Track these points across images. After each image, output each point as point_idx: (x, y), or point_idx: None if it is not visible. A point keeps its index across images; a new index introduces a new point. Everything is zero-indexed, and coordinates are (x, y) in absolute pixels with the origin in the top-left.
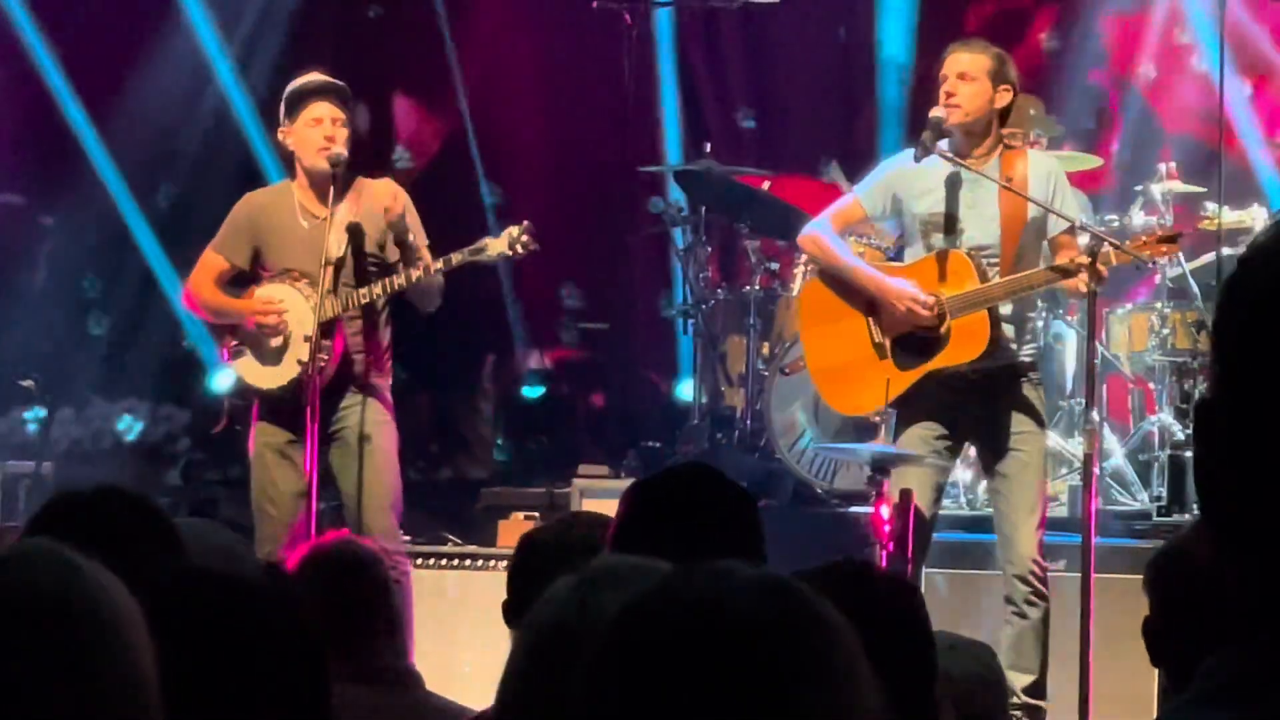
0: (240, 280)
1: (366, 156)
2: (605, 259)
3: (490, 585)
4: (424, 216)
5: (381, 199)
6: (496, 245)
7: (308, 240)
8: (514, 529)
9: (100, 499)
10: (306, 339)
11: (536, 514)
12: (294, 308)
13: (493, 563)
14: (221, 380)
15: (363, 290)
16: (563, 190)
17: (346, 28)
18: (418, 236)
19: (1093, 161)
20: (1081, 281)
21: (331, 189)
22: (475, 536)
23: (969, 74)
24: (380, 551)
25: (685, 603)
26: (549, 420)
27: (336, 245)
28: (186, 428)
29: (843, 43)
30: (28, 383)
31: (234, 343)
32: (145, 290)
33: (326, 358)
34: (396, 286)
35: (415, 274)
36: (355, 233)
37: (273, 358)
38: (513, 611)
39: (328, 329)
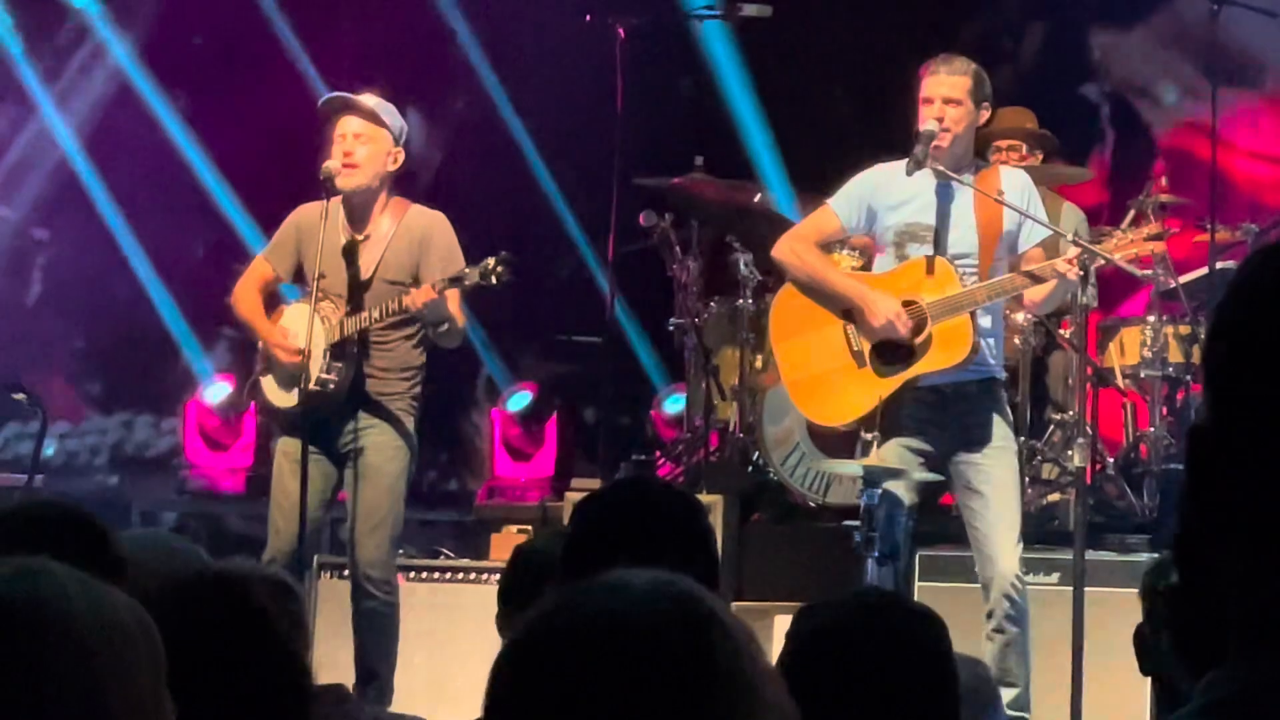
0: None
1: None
2: (597, 272)
3: (482, 598)
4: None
5: (418, 230)
6: (474, 275)
7: (343, 258)
8: (506, 542)
9: (31, 512)
10: (325, 354)
11: (529, 527)
12: (306, 326)
13: (485, 576)
14: (214, 393)
15: (363, 315)
16: (554, 203)
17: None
18: (442, 270)
19: (1085, 175)
20: (1071, 273)
21: (326, 205)
22: (469, 550)
23: (954, 97)
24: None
25: (583, 617)
26: (541, 434)
27: (365, 267)
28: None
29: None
30: (20, 396)
31: (261, 364)
32: (140, 302)
33: (336, 378)
34: (389, 312)
35: (406, 301)
36: (393, 259)
37: (289, 376)
38: (506, 622)
39: (339, 350)
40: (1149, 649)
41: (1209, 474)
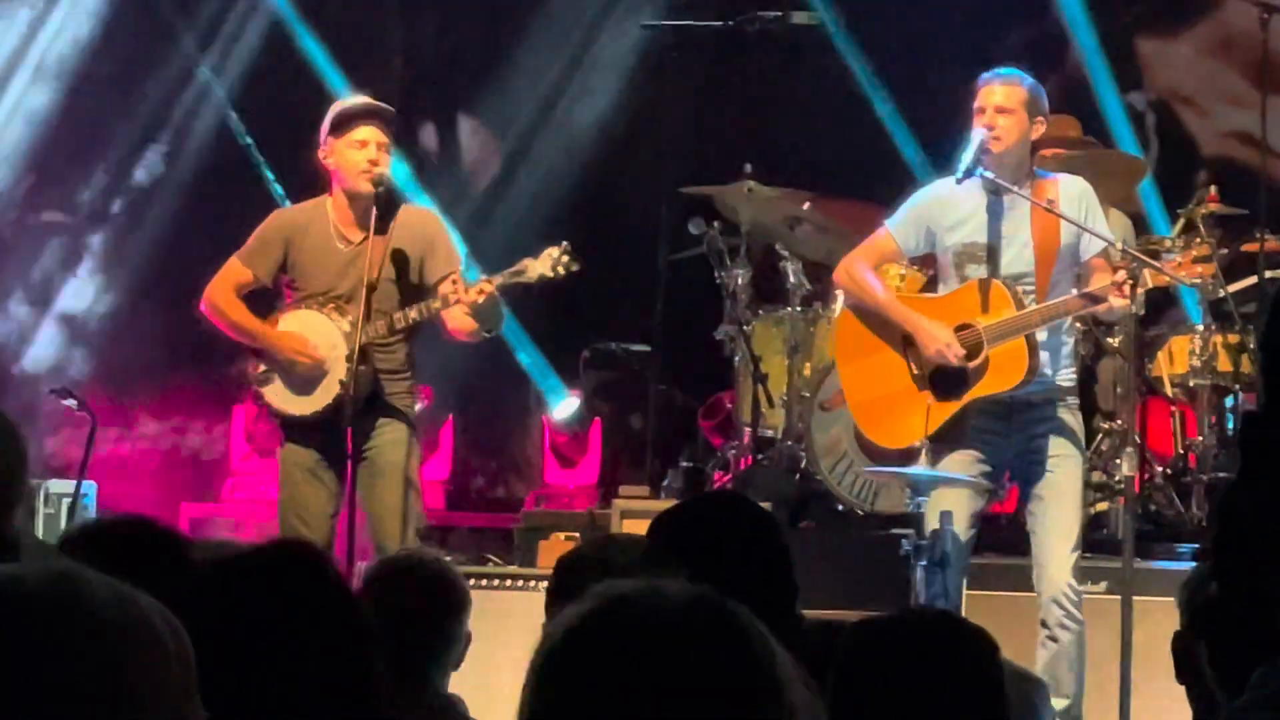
0: (259, 294)
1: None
2: (646, 281)
3: (531, 605)
4: (483, 237)
5: (416, 228)
6: (537, 267)
7: (345, 263)
8: (554, 549)
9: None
10: (348, 359)
11: (577, 535)
12: (324, 332)
13: (533, 583)
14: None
15: (398, 315)
16: (603, 212)
17: (411, 49)
18: (449, 264)
19: (1137, 161)
20: (1118, 300)
21: (374, 211)
22: (517, 556)
23: (1006, 107)
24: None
25: (622, 623)
26: (590, 441)
27: (371, 269)
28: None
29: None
30: (70, 401)
31: (261, 369)
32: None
33: (362, 380)
34: (434, 310)
35: (467, 298)
36: (398, 259)
37: (305, 383)
38: None
39: (363, 354)
40: (1186, 657)
41: (1261, 457)
